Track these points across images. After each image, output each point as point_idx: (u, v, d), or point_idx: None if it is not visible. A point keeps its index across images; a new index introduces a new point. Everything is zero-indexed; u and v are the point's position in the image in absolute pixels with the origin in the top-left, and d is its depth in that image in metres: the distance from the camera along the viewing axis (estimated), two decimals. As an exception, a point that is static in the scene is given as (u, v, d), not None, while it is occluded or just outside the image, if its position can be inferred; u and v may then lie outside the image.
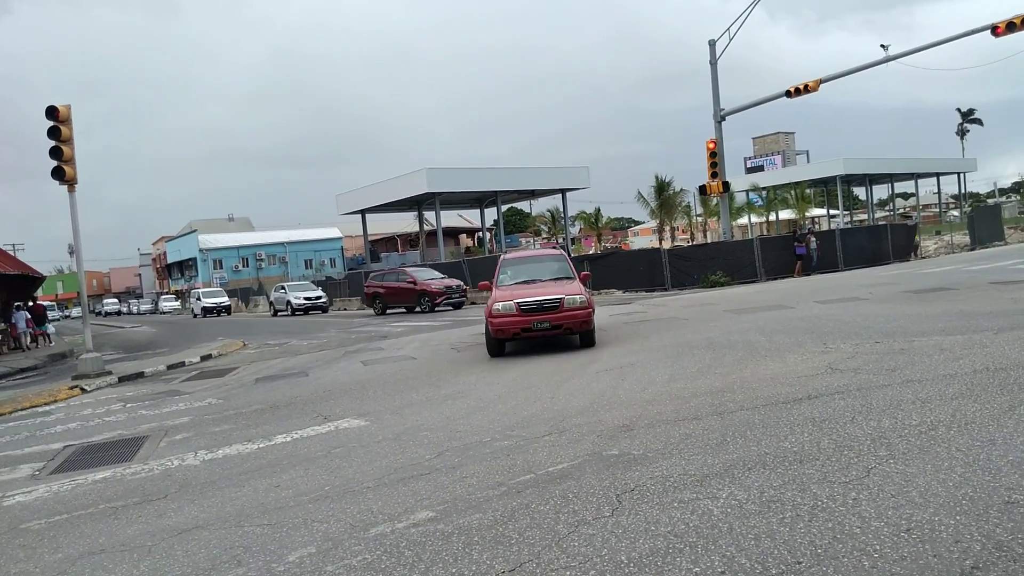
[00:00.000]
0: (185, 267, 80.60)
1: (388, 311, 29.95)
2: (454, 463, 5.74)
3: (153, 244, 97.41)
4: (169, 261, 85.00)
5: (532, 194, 56.86)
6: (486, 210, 58.12)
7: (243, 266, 75.11)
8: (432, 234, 52.43)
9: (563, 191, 52.79)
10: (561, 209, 57.63)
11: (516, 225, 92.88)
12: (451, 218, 69.99)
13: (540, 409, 7.50)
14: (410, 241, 69.12)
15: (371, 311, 31.59)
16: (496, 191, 49.35)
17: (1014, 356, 7.43)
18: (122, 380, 14.79)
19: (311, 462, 6.36)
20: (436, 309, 27.93)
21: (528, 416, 7.22)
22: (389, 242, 74.09)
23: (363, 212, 51.94)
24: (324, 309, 38.34)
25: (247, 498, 5.50)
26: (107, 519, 5.35)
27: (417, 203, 51.34)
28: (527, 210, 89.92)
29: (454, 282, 29.46)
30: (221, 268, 74.65)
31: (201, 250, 74.68)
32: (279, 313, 39.86)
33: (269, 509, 5.14)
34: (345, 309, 39.35)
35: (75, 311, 76.00)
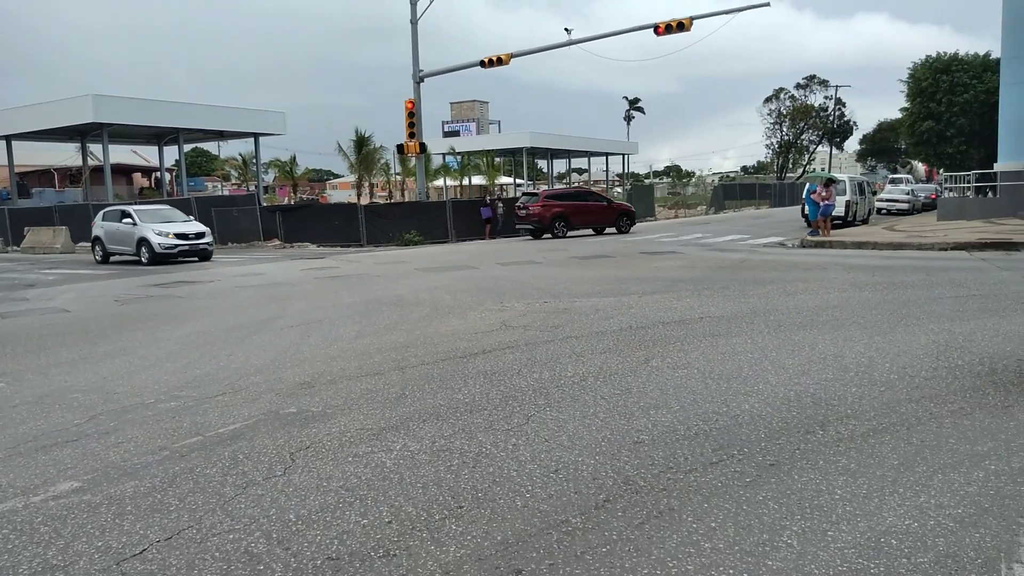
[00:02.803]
0: None
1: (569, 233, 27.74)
2: (108, 428, 5.17)
3: None
4: None
5: (221, 135, 52.80)
6: (166, 148, 52.69)
7: None
8: (98, 170, 46.29)
9: (256, 135, 49.77)
10: (253, 154, 54.39)
11: (202, 168, 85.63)
12: (123, 154, 62.18)
13: (215, 368, 7.06)
14: (70, 176, 60.32)
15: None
16: (178, 128, 44.88)
17: (652, 316, 8.66)
18: None
19: (-81, 432, 5.30)
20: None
21: (201, 375, 6.75)
22: (44, 176, 63.85)
23: (8, 138, 44.06)
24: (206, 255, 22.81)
25: None
26: None
27: (81, 133, 44.86)
28: (215, 152, 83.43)
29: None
30: None
31: None
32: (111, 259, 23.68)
33: None
34: (-19, 251, 33.26)
35: None
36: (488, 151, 67.89)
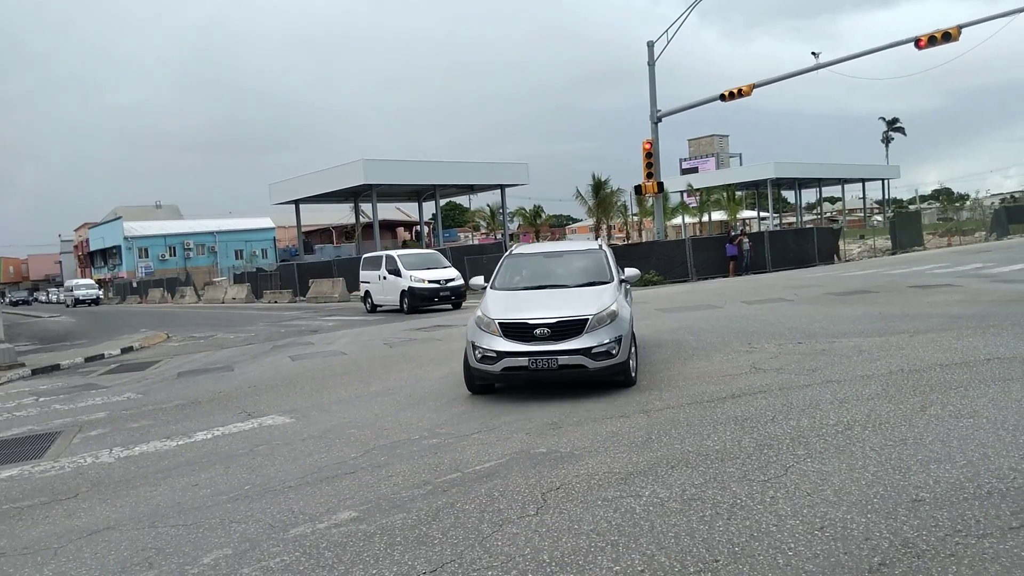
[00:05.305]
0: (109, 255, 77.60)
1: None
2: (380, 462, 5.65)
3: (75, 230, 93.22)
4: (92, 249, 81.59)
5: (471, 189, 56.67)
6: (424, 204, 57.66)
7: (170, 255, 72.70)
8: (368, 227, 51.78)
9: (502, 187, 52.78)
10: (500, 204, 57.67)
11: (454, 220, 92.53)
12: (388, 211, 69.13)
13: (471, 406, 7.46)
14: (345, 233, 68.05)
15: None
16: (434, 185, 48.98)
17: (927, 358, 7.75)
18: (36, 373, 14.11)
19: (232, 460, 6.18)
20: None
21: (458, 413, 7.18)
22: (324, 234, 72.80)
23: (297, 202, 50.87)
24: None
25: (163, 497, 5.31)
26: (10, 520, 5.08)
27: (353, 194, 50.58)
28: (466, 205, 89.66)
29: None
30: (147, 257, 72.13)
31: (126, 238, 71.94)
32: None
33: (185, 509, 4.97)
34: (276, 302, 38.46)
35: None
36: (728, 185, 65.92)
